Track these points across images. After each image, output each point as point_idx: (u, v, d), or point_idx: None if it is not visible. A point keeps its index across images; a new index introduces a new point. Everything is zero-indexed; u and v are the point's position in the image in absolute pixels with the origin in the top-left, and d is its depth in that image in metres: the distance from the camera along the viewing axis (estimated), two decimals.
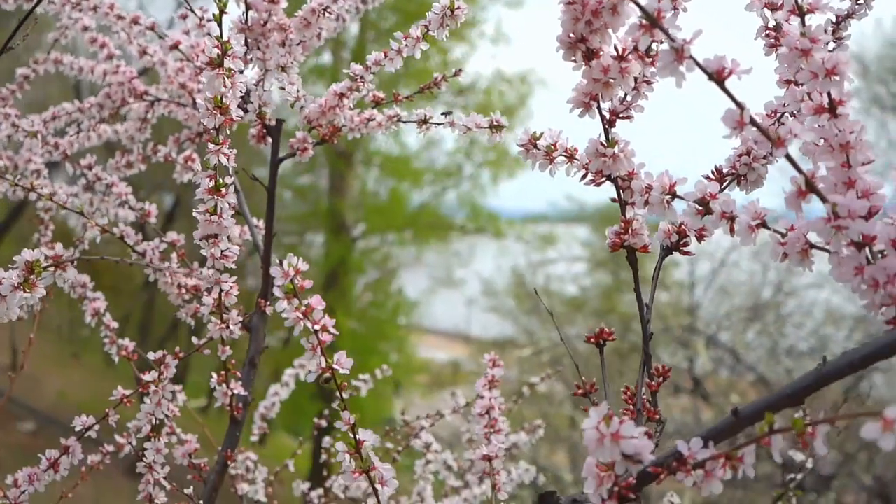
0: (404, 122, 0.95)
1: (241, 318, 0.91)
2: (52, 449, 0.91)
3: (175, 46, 1.01)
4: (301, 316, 0.61)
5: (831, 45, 0.72)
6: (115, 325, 1.09)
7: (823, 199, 0.51)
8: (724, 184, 0.69)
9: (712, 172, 0.69)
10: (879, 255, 0.52)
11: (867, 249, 0.51)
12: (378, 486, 0.64)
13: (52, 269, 0.68)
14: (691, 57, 0.50)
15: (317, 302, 0.62)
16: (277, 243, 1.14)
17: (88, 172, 1.13)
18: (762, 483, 5.86)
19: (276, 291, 0.61)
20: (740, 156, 0.69)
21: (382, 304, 11.08)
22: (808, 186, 0.51)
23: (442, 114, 0.93)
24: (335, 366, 0.63)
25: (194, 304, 1.05)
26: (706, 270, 6.96)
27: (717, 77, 0.50)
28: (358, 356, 1.68)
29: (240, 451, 1.32)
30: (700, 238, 0.68)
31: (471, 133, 0.88)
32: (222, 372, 0.96)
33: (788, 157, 0.50)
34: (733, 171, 0.69)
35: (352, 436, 0.65)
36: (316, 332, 0.62)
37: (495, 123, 0.82)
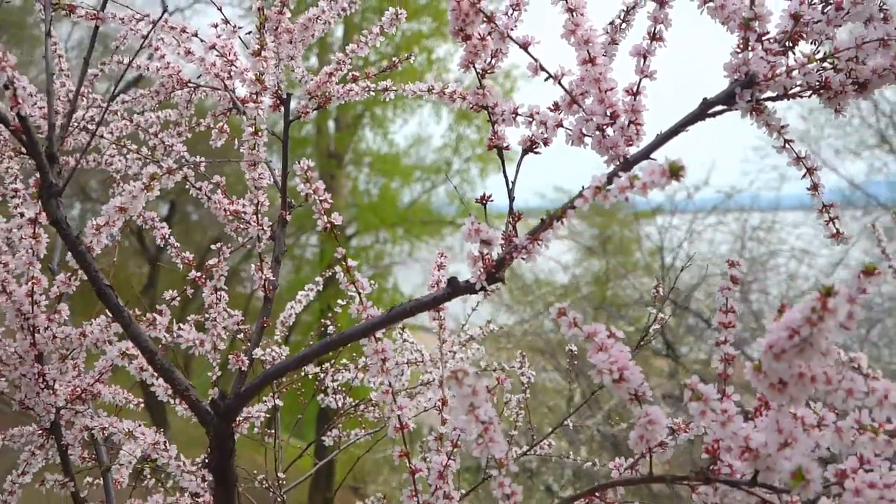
0: (373, 91, 1.43)
1: (270, 223, 1.39)
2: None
3: (213, 46, 1.48)
4: (311, 192, 1.09)
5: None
6: (178, 245, 1.56)
7: (580, 106, 0.99)
8: (561, 112, 1.16)
9: (553, 104, 1.17)
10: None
11: (604, 130, 0.99)
12: (360, 291, 1.11)
13: (165, 175, 1.15)
14: (509, 36, 0.97)
15: (320, 184, 1.09)
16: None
17: (154, 139, 1.60)
18: None
19: (297, 179, 1.08)
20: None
21: (378, 300, 11.49)
22: (572, 100, 0.99)
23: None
24: (332, 220, 1.10)
25: (235, 222, 1.51)
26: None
27: (523, 45, 0.98)
28: (357, 354, 2.17)
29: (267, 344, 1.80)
30: (545, 143, 1.15)
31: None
32: (258, 263, 1.43)
33: (561, 85, 0.98)
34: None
35: (344, 263, 1.12)
36: (321, 200, 1.09)
37: (430, 88, 1.29)
